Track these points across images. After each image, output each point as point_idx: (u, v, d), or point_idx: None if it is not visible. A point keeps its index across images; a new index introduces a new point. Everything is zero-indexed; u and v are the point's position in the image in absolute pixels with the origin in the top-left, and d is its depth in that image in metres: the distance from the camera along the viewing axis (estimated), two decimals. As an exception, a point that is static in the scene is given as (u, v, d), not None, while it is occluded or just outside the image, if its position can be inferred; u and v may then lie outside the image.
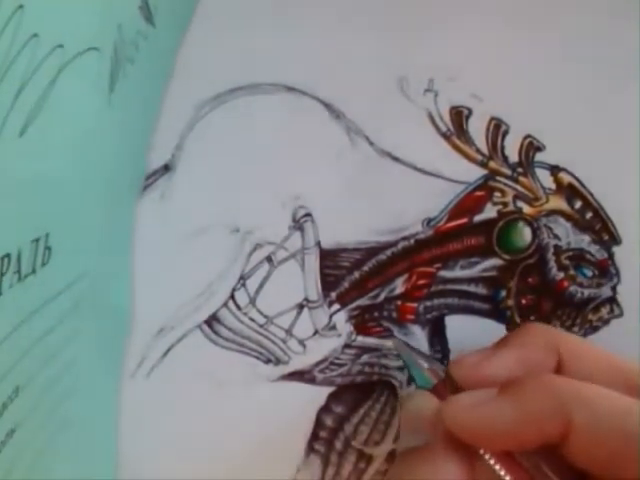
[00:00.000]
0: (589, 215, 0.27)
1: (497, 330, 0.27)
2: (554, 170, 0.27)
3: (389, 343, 0.27)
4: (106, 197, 0.23)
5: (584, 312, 0.27)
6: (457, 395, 0.21)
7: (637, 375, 0.21)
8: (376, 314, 0.27)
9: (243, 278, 0.26)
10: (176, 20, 0.25)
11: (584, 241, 0.27)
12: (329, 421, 0.27)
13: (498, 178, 0.27)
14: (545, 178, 0.27)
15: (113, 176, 0.23)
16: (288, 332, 0.26)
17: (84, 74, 0.18)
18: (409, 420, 0.23)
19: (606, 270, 0.27)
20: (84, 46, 0.18)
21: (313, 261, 0.26)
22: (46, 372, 0.20)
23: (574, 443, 0.19)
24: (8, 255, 0.16)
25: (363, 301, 0.27)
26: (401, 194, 0.26)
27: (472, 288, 0.27)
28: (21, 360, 0.18)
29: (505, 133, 0.26)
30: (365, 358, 0.27)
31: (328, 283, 0.26)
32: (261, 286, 0.26)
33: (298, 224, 0.26)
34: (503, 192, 0.27)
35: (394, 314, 0.27)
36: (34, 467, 0.20)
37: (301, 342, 0.27)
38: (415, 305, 0.27)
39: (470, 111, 0.26)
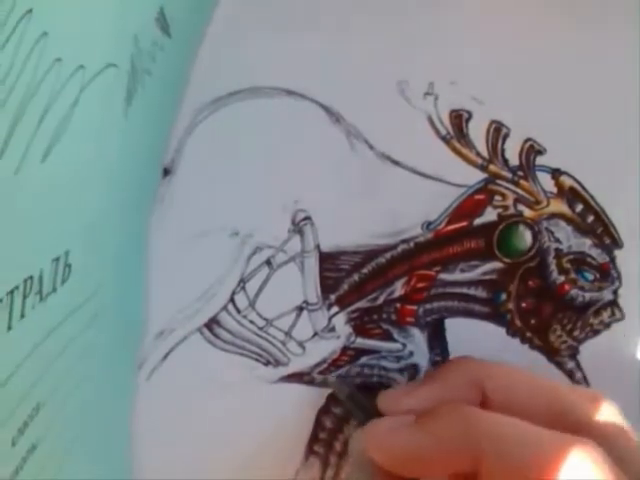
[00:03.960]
0: (590, 219, 0.27)
1: (497, 333, 0.27)
2: (555, 173, 0.26)
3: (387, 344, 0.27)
4: (124, 210, 0.23)
5: (585, 316, 0.27)
6: (377, 420, 0.22)
7: (558, 400, 0.22)
8: (375, 317, 0.27)
9: (243, 281, 0.26)
10: (192, 29, 0.25)
11: (585, 244, 0.27)
12: (328, 422, 0.27)
13: (498, 181, 0.26)
14: (546, 181, 0.26)
15: (129, 188, 0.23)
16: (287, 334, 0.27)
17: (103, 91, 0.18)
18: (355, 457, 0.23)
19: (607, 273, 0.27)
20: (103, 63, 0.18)
21: (312, 264, 0.26)
22: (65, 386, 0.20)
23: (486, 474, 0.19)
24: (31, 277, 0.16)
25: (362, 303, 0.27)
26: (401, 197, 0.26)
27: (472, 291, 0.27)
28: (42, 377, 0.18)
29: (505, 136, 0.26)
30: (364, 360, 0.27)
31: (327, 286, 0.27)
32: (261, 289, 0.26)
33: (297, 227, 0.26)
34: (503, 195, 0.26)
35: (393, 317, 0.27)
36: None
37: (300, 344, 0.27)
38: (415, 308, 0.27)
39: (470, 114, 0.26)
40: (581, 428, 0.20)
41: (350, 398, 0.25)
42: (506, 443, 0.19)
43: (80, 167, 0.18)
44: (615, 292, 0.27)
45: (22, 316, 0.16)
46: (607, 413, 0.22)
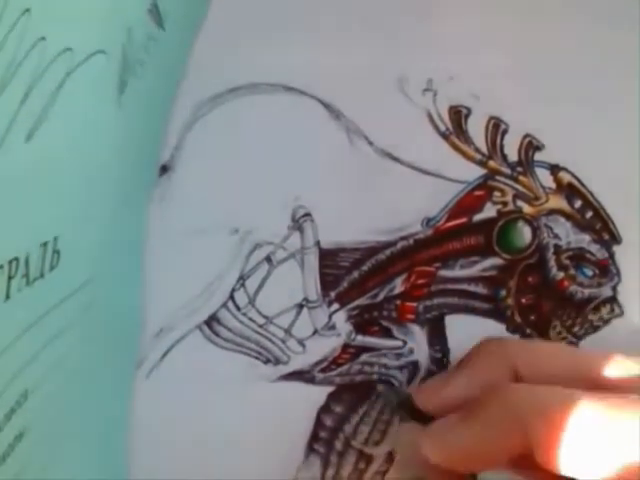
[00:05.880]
0: (589, 214, 0.27)
1: (497, 330, 0.27)
2: (554, 169, 0.27)
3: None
4: (116, 200, 0.23)
5: (584, 312, 0.27)
6: (429, 426, 0.22)
7: (593, 367, 0.21)
8: (375, 314, 0.27)
9: (242, 278, 0.26)
10: (187, 23, 0.25)
11: (584, 240, 0.27)
12: (329, 421, 0.27)
13: (498, 177, 0.26)
14: (545, 177, 0.27)
15: (123, 178, 0.23)
16: (287, 332, 0.26)
17: (92, 77, 0.18)
18: (405, 454, 0.23)
19: (606, 269, 0.27)
20: (92, 49, 0.18)
21: (312, 261, 0.26)
22: (56, 376, 0.20)
23: (539, 446, 0.19)
24: (16, 259, 0.16)
25: (362, 301, 0.27)
26: (400, 194, 0.26)
27: (472, 287, 0.27)
28: (30, 364, 0.18)
29: (504, 132, 0.26)
30: (364, 357, 0.27)
31: (327, 283, 0.26)
32: (260, 286, 0.26)
33: (297, 224, 0.26)
34: (503, 191, 0.27)
35: (394, 314, 0.27)
36: (44, 471, 0.20)
37: (300, 342, 0.27)
38: (415, 304, 0.27)
39: (469, 110, 0.26)
40: (600, 385, 0.20)
41: (400, 406, 0.25)
42: (550, 409, 0.19)
43: (68, 151, 0.18)
44: (614, 288, 0.27)
45: (7, 297, 0.16)
46: (622, 369, 0.22)
